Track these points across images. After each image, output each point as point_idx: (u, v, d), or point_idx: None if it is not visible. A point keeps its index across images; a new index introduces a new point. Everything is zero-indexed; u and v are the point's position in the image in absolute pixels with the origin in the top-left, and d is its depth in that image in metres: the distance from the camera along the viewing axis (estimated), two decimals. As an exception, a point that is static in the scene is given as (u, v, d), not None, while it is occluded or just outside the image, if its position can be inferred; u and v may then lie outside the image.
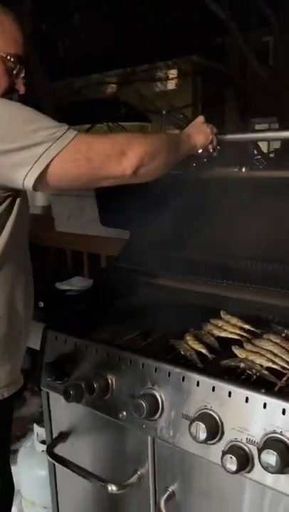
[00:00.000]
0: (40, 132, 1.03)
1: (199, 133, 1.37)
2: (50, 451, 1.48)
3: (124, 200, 1.64)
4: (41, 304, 1.72)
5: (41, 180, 1.05)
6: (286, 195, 1.38)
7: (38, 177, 1.04)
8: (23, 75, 1.23)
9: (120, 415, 1.26)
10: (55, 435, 1.56)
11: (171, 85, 12.50)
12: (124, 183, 1.17)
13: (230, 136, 1.45)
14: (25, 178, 1.04)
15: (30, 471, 1.88)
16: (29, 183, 1.05)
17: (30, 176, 1.04)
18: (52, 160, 1.03)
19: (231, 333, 1.41)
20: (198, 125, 1.39)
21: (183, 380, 1.15)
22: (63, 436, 1.53)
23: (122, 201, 1.66)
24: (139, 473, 1.30)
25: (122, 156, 1.10)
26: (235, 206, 1.65)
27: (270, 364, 1.21)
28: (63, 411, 1.53)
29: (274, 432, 0.99)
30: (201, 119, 1.40)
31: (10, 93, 1.23)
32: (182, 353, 1.32)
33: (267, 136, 1.37)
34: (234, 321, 1.47)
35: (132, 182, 1.17)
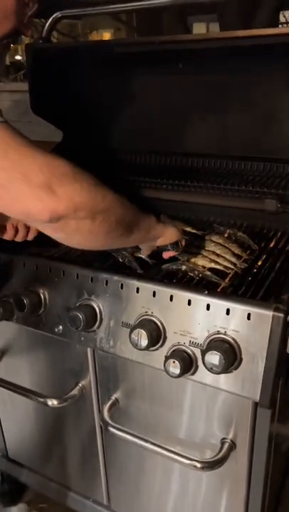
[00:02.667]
0: None
1: (169, 240, 1.08)
2: (-16, 373, 1.39)
3: (59, 90, 1.39)
4: None
5: None
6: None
7: None
8: (32, 12, 0.92)
9: (56, 329, 1.17)
10: (-11, 356, 1.46)
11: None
12: (39, 229, 0.87)
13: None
14: None
15: None
16: None
17: None
18: None
19: (172, 236, 1.31)
20: (177, 234, 1.09)
21: (121, 287, 1.06)
22: (-3, 356, 1.44)
23: (57, 90, 1.41)
24: (80, 385, 1.25)
25: (46, 187, 0.75)
26: (177, 101, 1.47)
27: (212, 265, 1.14)
28: (-5, 330, 1.42)
29: (218, 332, 0.94)
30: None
31: (13, 36, 0.91)
32: (120, 260, 1.22)
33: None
34: (175, 223, 1.38)
35: (48, 234, 0.85)
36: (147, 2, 1.31)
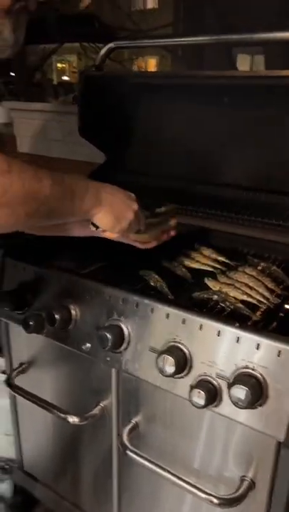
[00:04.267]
0: None
1: (115, 215, 1.00)
2: (9, 382, 1.41)
3: (107, 116, 1.44)
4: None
5: None
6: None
7: None
8: None
9: (83, 347, 1.19)
10: (15, 365, 1.49)
11: (150, 3, 11.49)
12: None
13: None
14: None
15: (-9, 399, 1.84)
16: None
17: None
18: None
19: (204, 264, 1.33)
20: (125, 202, 1.01)
21: (152, 311, 1.07)
22: (23, 366, 1.46)
23: (104, 116, 1.46)
24: (101, 405, 1.26)
25: None
26: (218, 133, 1.50)
27: (244, 297, 1.14)
28: (24, 341, 1.45)
29: (246, 367, 0.93)
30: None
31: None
32: (152, 284, 1.23)
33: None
34: (208, 252, 1.39)
35: None
36: (196, 38, 1.36)
